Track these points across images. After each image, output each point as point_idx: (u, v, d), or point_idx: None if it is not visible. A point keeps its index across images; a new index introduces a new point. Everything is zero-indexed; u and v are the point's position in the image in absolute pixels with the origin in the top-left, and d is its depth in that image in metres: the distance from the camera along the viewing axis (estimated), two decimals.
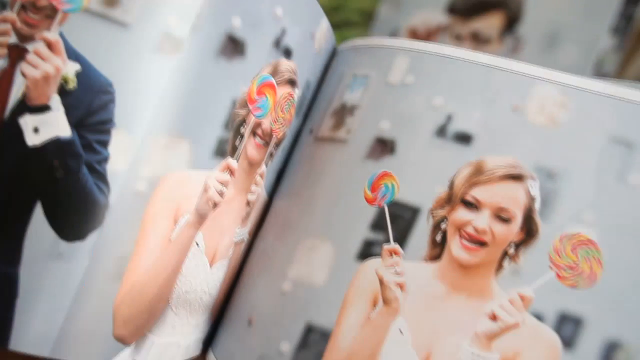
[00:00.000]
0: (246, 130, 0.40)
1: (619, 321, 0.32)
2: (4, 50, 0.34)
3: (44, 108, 0.34)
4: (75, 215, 0.35)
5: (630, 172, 0.33)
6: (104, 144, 0.36)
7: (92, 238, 0.36)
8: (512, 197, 0.35)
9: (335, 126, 0.42)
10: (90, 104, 0.35)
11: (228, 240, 0.42)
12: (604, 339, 0.32)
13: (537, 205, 0.34)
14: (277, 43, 0.40)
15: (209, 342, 0.45)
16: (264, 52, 0.40)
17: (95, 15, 0.35)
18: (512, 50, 0.81)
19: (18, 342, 0.35)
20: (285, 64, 0.41)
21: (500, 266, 0.35)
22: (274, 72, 0.41)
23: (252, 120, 0.40)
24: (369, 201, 0.38)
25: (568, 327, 0.32)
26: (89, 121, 0.35)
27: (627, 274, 0.32)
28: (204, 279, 0.41)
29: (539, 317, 0.33)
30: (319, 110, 0.44)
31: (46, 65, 0.34)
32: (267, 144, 0.42)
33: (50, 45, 0.34)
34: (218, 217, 0.40)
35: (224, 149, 0.40)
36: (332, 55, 0.47)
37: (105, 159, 0.36)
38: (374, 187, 0.38)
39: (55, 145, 0.35)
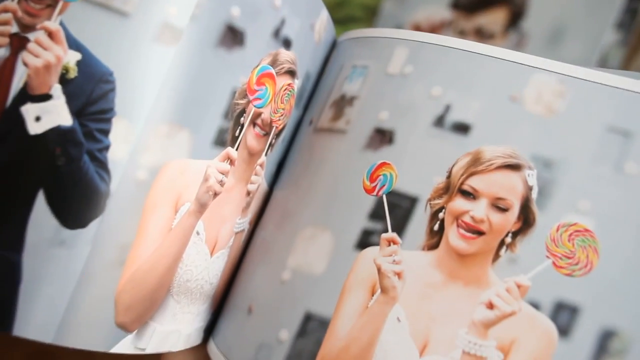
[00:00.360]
0: (246, 120, 0.40)
1: (615, 309, 0.32)
2: (6, 39, 0.35)
3: (45, 97, 0.35)
4: (77, 202, 0.36)
5: (627, 161, 0.33)
6: (105, 132, 0.36)
7: (93, 226, 0.36)
8: (510, 187, 0.35)
9: (335, 117, 0.42)
10: (91, 92, 0.35)
11: (228, 229, 0.42)
12: (600, 327, 0.32)
13: (534, 195, 0.35)
14: (277, 33, 0.41)
15: (210, 331, 0.45)
16: (263, 42, 0.40)
17: (95, 4, 0.35)
18: (516, 45, 0.81)
19: (22, 328, 0.35)
20: (285, 55, 0.41)
21: (497, 255, 0.35)
22: (274, 63, 0.41)
23: (251, 110, 0.40)
24: (368, 191, 0.38)
25: (564, 316, 0.32)
26: (89, 110, 0.36)
27: (623, 262, 0.32)
28: (204, 268, 0.41)
29: (535, 306, 0.33)
30: (318, 101, 0.45)
31: (47, 54, 0.34)
32: (267, 134, 0.42)
33: (51, 35, 0.34)
34: (218, 206, 0.41)
35: (224, 139, 0.40)
36: (332, 46, 0.47)
37: (106, 148, 0.36)
38: (372, 177, 0.38)
39: (57, 134, 0.35)
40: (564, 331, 0.32)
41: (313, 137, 0.43)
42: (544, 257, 0.33)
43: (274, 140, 0.43)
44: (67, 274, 0.36)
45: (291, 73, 0.42)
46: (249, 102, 0.40)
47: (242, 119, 0.40)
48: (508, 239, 0.35)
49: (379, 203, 0.37)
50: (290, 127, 0.45)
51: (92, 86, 0.35)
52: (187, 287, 0.41)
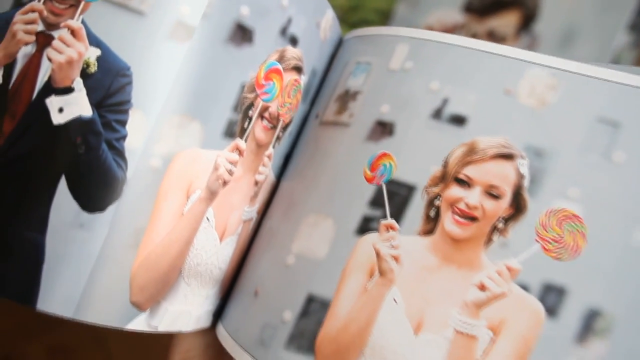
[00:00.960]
0: (254, 114, 0.43)
1: (600, 291, 0.33)
2: (33, 37, 0.38)
3: (68, 90, 0.38)
4: (96, 188, 0.39)
5: (615, 151, 0.35)
6: (122, 123, 0.39)
7: (111, 210, 0.39)
8: (503, 175, 0.37)
9: (339, 111, 0.44)
10: (109, 86, 0.38)
11: (237, 217, 0.44)
12: (585, 308, 0.33)
13: (526, 183, 0.36)
14: (284, 31, 0.43)
15: (219, 316, 0.47)
16: (271, 39, 0.42)
17: (114, 4, 0.38)
18: (527, 47, 0.82)
19: (44, 303, 0.38)
20: (292, 52, 0.44)
21: (489, 239, 0.36)
22: (281, 59, 0.43)
23: (259, 104, 0.43)
24: (368, 180, 0.40)
25: (551, 297, 0.34)
26: (108, 102, 0.38)
27: (609, 246, 0.33)
28: (214, 253, 0.43)
29: (524, 287, 0.34)
30: (324, 96, 0.47)
31: (70, 51, 0.37)
32: (274, 127, 0.44)
33: (73, 32, 0.37)
34: (227, 194, 0.43)
35: (233, 131, 0.42)
36: (339, 44, 0.49)
37: (123, 137, 0.39)
38: (373, 167, 0.40)
39: (78, 124, 0.38)
40: (551, 311, 0.34)
41: (318, 130, 0.45)
42: (534, 241, 0.35)
43: (281, 133, 0.45)
44: (86, 254, 0.39)
45: (298, 69, 0.45)
46: (257, 96, 0.42)
47: (250, 112, 0.43)
48: (500, 225, 0.36)
49: (379, 191, 0.39)
50: (298, 122, 0.47)
51: (110, 80, 0.38)
52: (197, 270, 0.43)
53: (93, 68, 0.38)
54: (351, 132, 0.42)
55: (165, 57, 0.39)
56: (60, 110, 0.38)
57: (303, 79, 0.45)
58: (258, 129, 0.44)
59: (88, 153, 0.38)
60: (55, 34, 0.38)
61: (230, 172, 0.42)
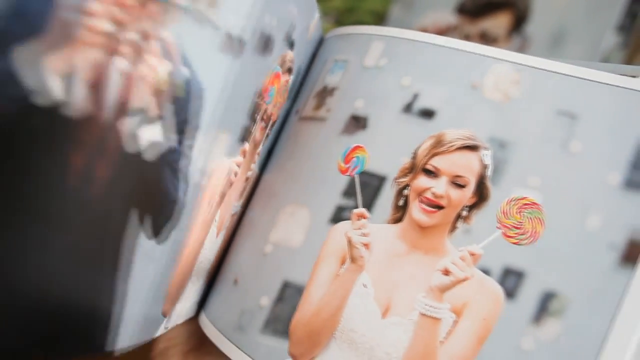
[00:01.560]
0: (258, 116, 0.44)
1: (556, 274, 0.35)
2: (102, 39, 0.25)
3: (158, 118, 0.31)
4: (167, 219, 0.36)
5: (572, 141, 0.36)
6: (192, 147, 0.35)
7: (172, 235, 0.37)
8: (468, 166, 0.38)
9: (317, 106, 0.46)
10: (190, 110, 0.33)
11: (229, 213, 0.46)
12: (542, 290, 0.35)
13: (489, 172, 0.38)
14: (288, 37, 0.44)
15: (201, 306, 0.49)
16: (280, 46, 0.43)
17: (188, 10, 0.31)
18: (518, 48, 0.83)
19: (118, 343, 0.36)
20: (289, 56, 0.45)
21: (454, 227, 0.38)
22: (282, 64, 0.45)
23: (263, 107, 0.44)
24: (342, 171, 0.42)
25: (511, 280, 0.35)
26: (186, 127, 0.34)
27: (565, 232, 0.35)
28: (210, 248, 0.45)
29: (485, 272, 0.36)
30: (305, 93, 0.49)
31: (161, 70, 0.29)
32: (266, 126, 0.46)
33: (167, 47, 0.29)
34: (227, 194, 0.45)
35: (245, 135, 0.43)
36: (319, 43, 0.51)
37: (190, 162, 0.35)
38: (347, 159, 0.42)
39: (168, 156, 0.33)
40: (510, 294, 0.35)
41: (298, 125, 0.47)
42: (495, 228, 0.36)
43: (269, 131, 0.47)
44: (147, 282, 0.37)
45: (290, 71, 0.46)
46: (263, 100, 0.44)
47: (256, 115, 0.44)
48: (464, 212, 0.38)
49: (352, 182, 0.41)
50: (280, 118, 0.49)
51: (191, 104, 0.33)
52: (200, 267, 0.45)
53: (181, 92, 0.31)
54: (327, 126, 0.44)
55: (218, 71, 0.35)
56: (151, 142, 0.31)
57: (291, 79, 0.47)
58: (257, 130, 0.45)
59: (166, 184, 0.34)
60: (125, 36, 0.27)
61: (236, 174, 0.44)
